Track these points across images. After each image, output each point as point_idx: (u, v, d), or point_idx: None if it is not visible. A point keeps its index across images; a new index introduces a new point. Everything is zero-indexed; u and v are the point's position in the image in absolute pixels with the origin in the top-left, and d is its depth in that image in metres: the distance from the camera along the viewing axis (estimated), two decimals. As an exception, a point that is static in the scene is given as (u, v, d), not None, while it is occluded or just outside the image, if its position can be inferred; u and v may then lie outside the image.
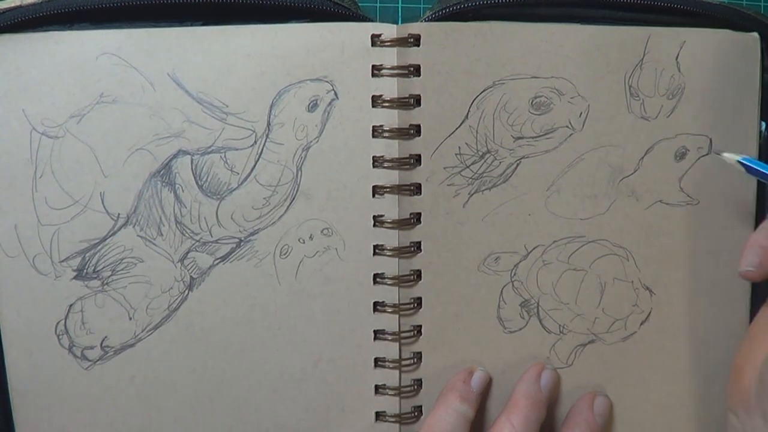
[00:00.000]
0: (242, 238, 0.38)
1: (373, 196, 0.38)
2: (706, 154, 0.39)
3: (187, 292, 0.38)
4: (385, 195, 0.38)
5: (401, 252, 0.38)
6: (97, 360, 0.38)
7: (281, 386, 0.39)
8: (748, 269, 0.35)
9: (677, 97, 0.39)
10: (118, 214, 0.37)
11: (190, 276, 0.38)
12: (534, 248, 0.39)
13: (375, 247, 0.38)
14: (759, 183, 0.40)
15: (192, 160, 0.37)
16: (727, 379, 0.35)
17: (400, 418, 0.40)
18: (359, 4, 0.39)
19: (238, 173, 0.37)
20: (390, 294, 0.39)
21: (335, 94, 0.37)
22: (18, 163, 0.37)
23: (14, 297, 0.37)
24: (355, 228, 0.38)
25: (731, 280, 0.40)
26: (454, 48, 0.37)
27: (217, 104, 0.37)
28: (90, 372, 0.38)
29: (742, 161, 0.36)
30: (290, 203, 0.38)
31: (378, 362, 0.39)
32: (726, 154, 0.37)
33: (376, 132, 0.37)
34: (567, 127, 0.39)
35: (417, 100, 0.37)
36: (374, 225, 0.38)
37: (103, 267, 0.37)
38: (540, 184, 0.39)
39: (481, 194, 0.39)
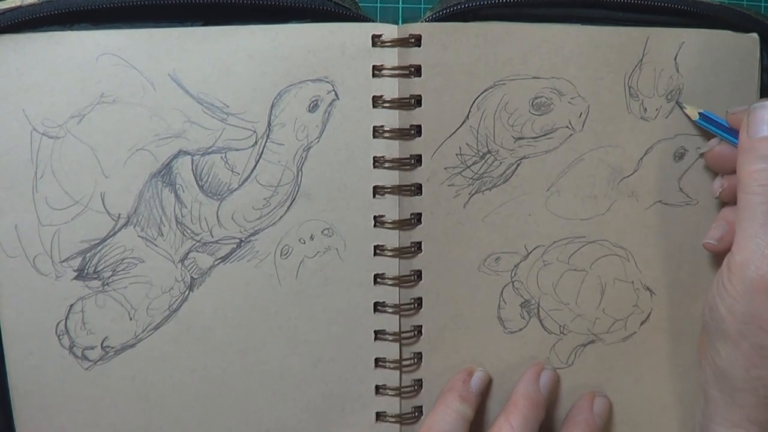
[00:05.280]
0: (243, 239, 0.38)
1: (374, 196, 0.38)
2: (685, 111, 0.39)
3: (187, 292, 0.38)
4: (386, 195, 0.38)
5: (402, 252, 0.38)
6: (98, 360, 0.38)
7: (281, 386, 0.39)
8: (710, 242, 0.38)
9: (676, 98, 0.39)
10: (119, 214, 0.37)
11: (191, 276, 0.38)
12: (534, 248, 0.39)
13: (375, 247, 0.38)
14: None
15: (192, 161, 0.37)
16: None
17: (401, 419, 0.40)
18: (360, 5, 0.39)
19: (239, 173, 0.37)
20: (390, 294, 0.39)
21: (336, 94, 0.37)
22: (18, 163, 0.36)
23: (15, 297, 0.37)
24: (355, 228, 0.38)
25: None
26: (455, 48, 0.37)
27: (217, 104, 0.37)
28: (90, 372, 0.38)
29: (703, 113, 0.38)
30: (291, 204, 0.38)
31: (378, 362, 0.39)
32: (688, 107, 0.38)
33: (377, 132, 0.37)
34: (567, 127, 0.39)
35: (418, 101, 0.37)
36: (375, 225, 0.38)
37: (104, 267, 0.37)
38: (540, 184, 0.39)
39: (481, 194, 0.39)
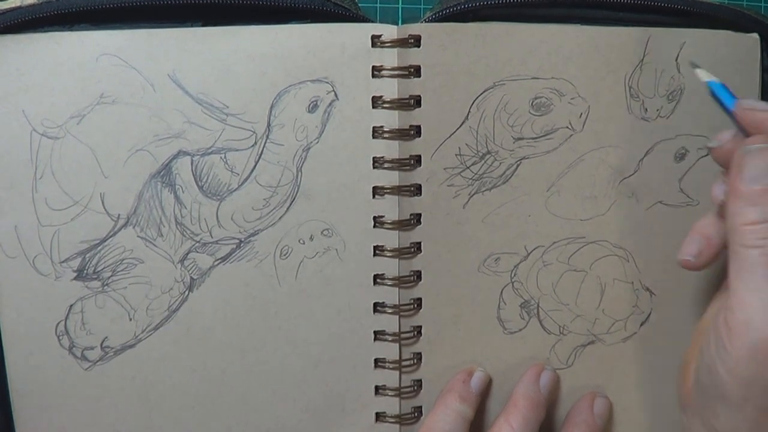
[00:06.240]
0: (242, 239, 0.38)
1: (374, 196, 0.38)
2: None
3: (187, 292, 0.38)
4: (386, 196, 0.38)
5: (401, 253, 0.38)
6: (98, 360, 0.38)
7: (281, 387, 0.39)
8: (687, 258, 0.35)
9: (677, 98, 0.39)
10: (119, 214, 0.37)
11: (191, 277, 0.38)
12: (534, 249, 0.39)
13: (375, 247, 0.38)
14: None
15: (192, 161, 0.37)
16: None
17: (400, 419, 0.40)
18: (359, 5, 0.39)
19: (239, 174, 0.37)
20: (390, 295, 0.39)
21: (335, 94, 0.37)
22: (18, 163, 0.36)
23: (14, 298, 0.37)
24: (355, 229, 0.38)
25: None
26: (455, 49, 0.37)
27: (217, 105, 0.37)
28: (90, 372, 0.38)
29: (710, 83, 0.34)
30: (290, 204, 0.38)
31: (378, 363, 0.39)
32: (699, 70, 0.35)
33: (377, 133, 0.37)
34: (567, 127, 0.39)
35: (417, 101, 0.37)
36: (374, 226, 0.38)
37: (104, 268, 0.37)
38: (540, 184, 0.39)
39: (481, 195, 0.39)
